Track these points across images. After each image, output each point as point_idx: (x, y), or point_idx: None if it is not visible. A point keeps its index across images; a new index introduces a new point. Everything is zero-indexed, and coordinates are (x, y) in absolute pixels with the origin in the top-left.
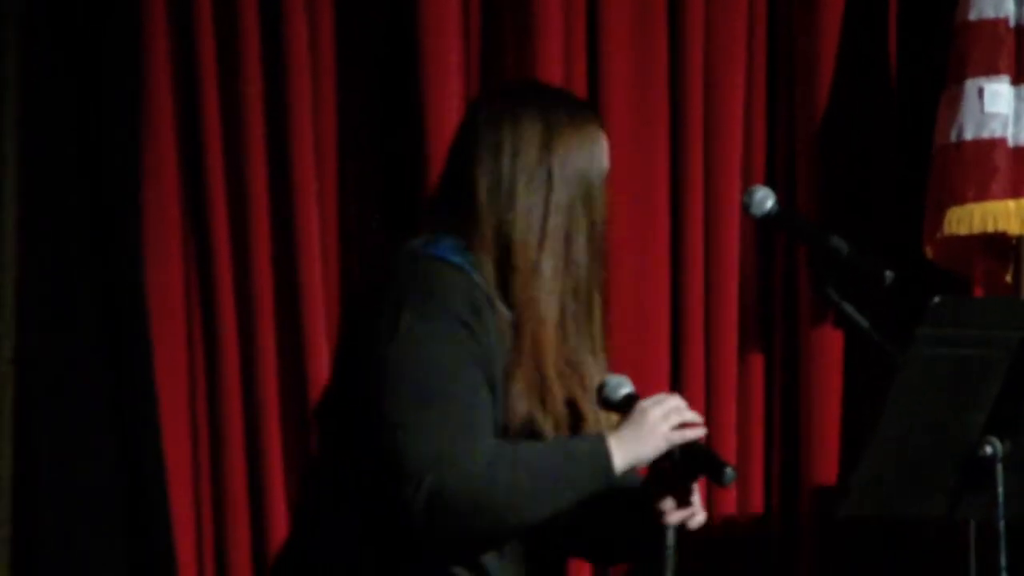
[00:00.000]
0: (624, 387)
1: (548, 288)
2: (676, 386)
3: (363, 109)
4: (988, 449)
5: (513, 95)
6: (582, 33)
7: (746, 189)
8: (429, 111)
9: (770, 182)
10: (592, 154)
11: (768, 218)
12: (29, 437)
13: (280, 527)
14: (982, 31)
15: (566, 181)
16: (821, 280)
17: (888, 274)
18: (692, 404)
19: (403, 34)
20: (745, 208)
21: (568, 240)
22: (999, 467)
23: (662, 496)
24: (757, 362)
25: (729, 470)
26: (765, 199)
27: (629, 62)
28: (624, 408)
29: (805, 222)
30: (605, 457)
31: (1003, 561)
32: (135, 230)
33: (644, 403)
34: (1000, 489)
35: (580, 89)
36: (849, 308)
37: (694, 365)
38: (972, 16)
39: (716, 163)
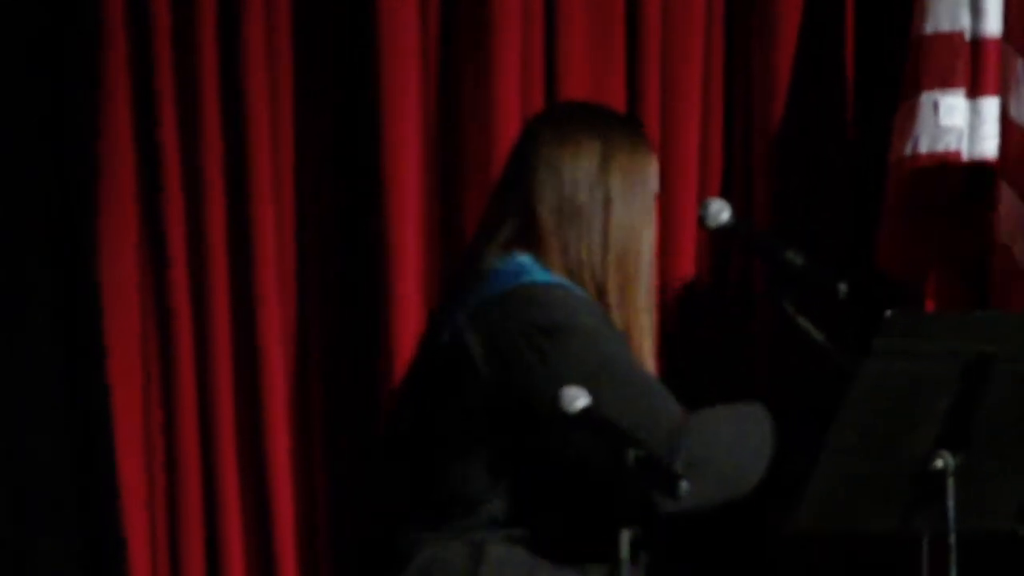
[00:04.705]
0: (580, 399)
1: (625, 304)
2: None
3: (321, 120)
4: (939, 463)
5: (571, 117)
6: (539, 49)
7: (701, 202)
8: (386, 122)
9: (726, 194)
10: (646, 175)
11: (723, 230)
12: None
13: (233, 522)
14: (938, 44)
15: (625, 202)
16: (776, 293)
17: (842, 287)
18: None
19: (360, 42)
20: (701, 220)
21: (632, 257)
22: (950, 481)
23: None
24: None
25: (684, 483)
26: (720, 211)
27: (585, 78)
28: (580, 420)
29: (760, 234)
30: None
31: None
32: (90, 227)
33: None
34: (951, 503)
35: (537, 103)
36: (803, 321)
37: None
38: (928, 29)
39: (672, 176)
